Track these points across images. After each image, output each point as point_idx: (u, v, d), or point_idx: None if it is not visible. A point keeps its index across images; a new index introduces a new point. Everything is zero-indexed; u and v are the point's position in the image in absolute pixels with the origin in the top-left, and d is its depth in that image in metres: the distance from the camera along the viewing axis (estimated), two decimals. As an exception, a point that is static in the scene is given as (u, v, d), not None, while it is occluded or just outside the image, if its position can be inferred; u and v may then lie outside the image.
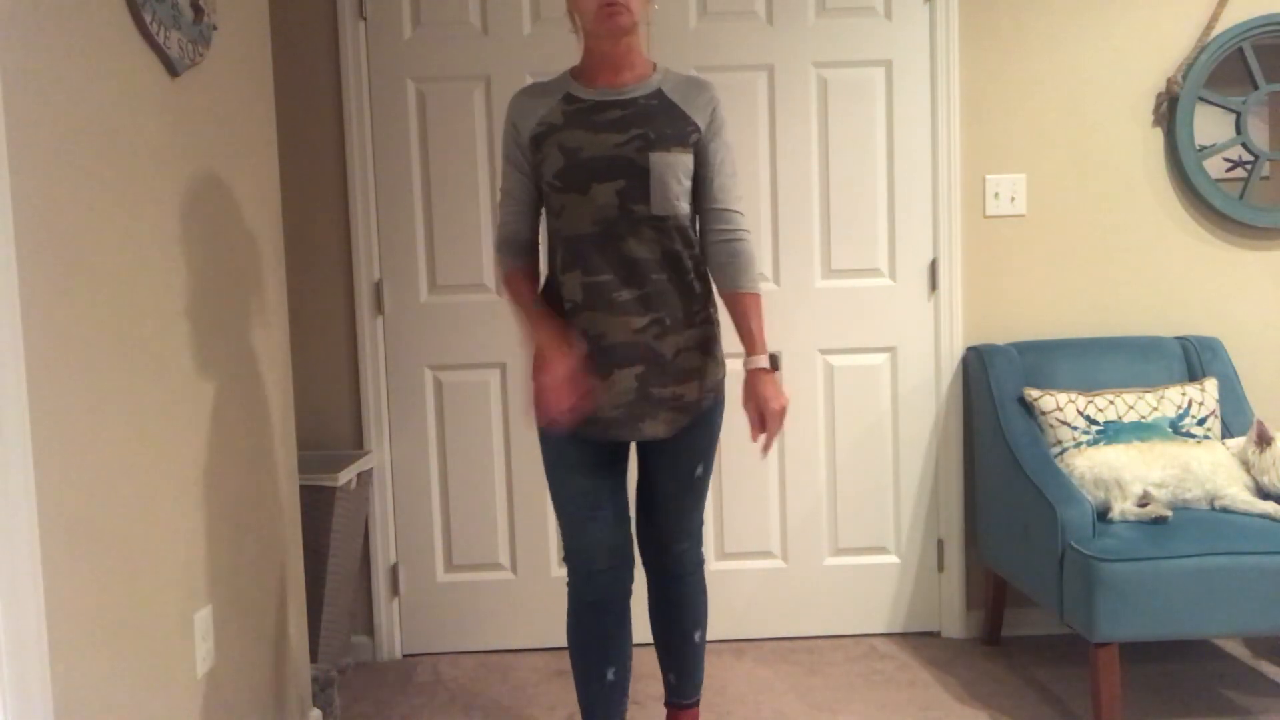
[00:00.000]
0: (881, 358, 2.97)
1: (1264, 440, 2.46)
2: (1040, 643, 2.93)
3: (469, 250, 2.89)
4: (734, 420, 2.95)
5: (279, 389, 2.30)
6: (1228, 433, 2.71)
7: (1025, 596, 2.76)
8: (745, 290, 1.93)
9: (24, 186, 1.37)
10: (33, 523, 1.36)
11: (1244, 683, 2.66)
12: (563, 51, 2.81)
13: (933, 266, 2.93)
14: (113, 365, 1.59)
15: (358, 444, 2.92)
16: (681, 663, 2.18)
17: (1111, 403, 2.67)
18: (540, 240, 2.08)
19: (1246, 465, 2.49)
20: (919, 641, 2.98)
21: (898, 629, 3.02)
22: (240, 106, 2.11)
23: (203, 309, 1.92)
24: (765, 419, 1.87)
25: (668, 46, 2.86)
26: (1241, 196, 2.92)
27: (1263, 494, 2.46)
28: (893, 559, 3.01)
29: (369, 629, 2.97)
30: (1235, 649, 2.87)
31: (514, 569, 2.99)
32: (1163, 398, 2.69)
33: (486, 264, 2.91)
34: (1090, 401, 2.67)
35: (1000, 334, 2.94)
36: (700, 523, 2.14)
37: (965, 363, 2.93)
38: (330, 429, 2.91)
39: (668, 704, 2.25)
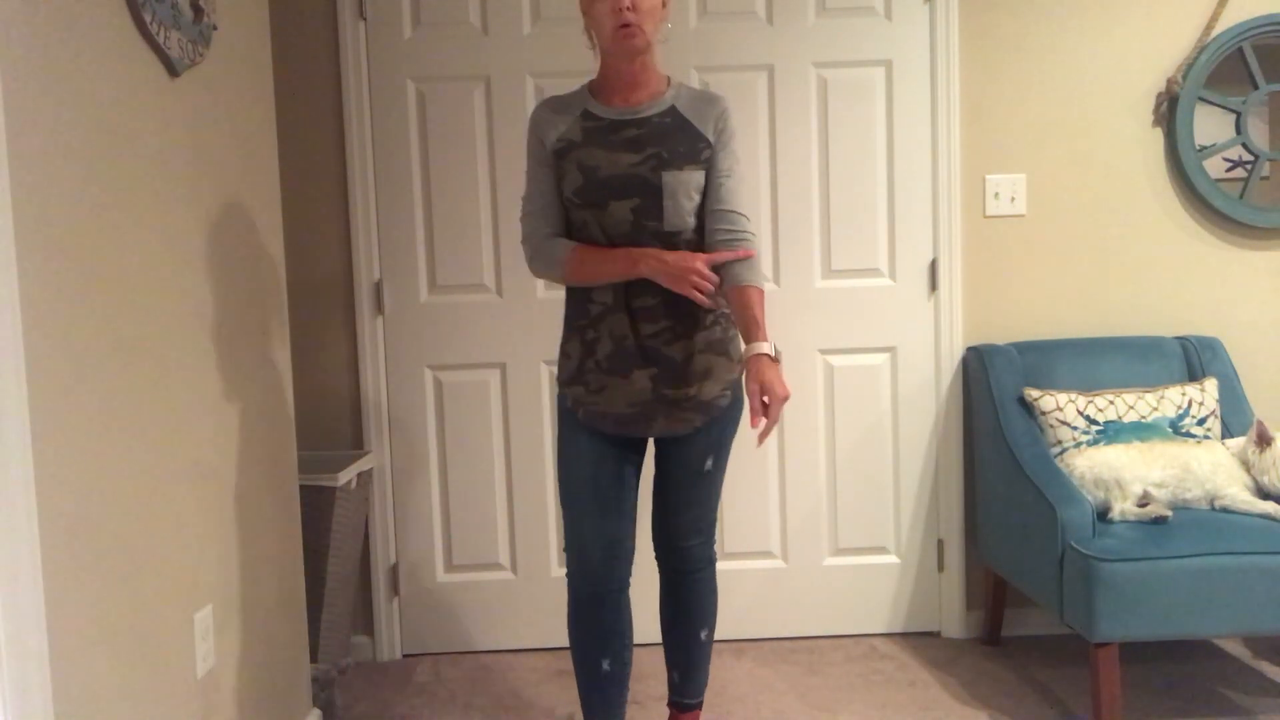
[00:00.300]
0: (881, 358, 2.97)
1: (1264, 440, 2.46)
2: (1040, 643, 2.93)
3: (469, 250, 2.89)
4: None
5: (279, 389, 2.30)
6: (1228, 433, 2.71)
7: (1025, 596, 2.76)
8: (750, 284, 1.95)
9: (24, 187, 1.37)
10: (33, 523, 1.36)
11: (1244, 683, 2.66)
12: (563, 52, 2.82)
13: (933, 266, 2.93)
14: (113, 366, 1.59)
15: (358, 444, 2.92)
16: (687, 661, 2.21)
17: (1111, 403, 2.67)
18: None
19: (1246, 465, 2.49)
20: (919, 641, 2.98)
21: (898, 629, 3.03)
22: (240, 106, 2.11)
23: (202, 309, 1.92)
24: (768, 404, 1.83)
25: (668, 47, 2.86)
26: (1241, 196, 2.92)
27: (1263, 494, 2.46)
28: (893, 559, 3.01)
29: (369, 629, 2.97)
30: (1235, 649, 2.87)
31: (514, 569, 2.99)
32: (1163, 398, 2.69)
33: (486, 264, 2.91)
34: (1090, 401, 2.67)
35: (1000, 334, 2.94)
36: (713, 521, 2.18)
37: (965, 363, 2.94)
38: (330, 429, 2.91)
39: (670, 704, 2.27)
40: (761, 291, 1.97)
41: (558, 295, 2.66)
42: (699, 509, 2.13)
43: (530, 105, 2.85)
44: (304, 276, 2.86)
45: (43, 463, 1.39)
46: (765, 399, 1.82)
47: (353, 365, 2.91)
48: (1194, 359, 2.83)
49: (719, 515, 2.96)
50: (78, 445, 1.49)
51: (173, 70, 1.80)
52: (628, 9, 1.85)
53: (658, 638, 2.28)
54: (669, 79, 2.03)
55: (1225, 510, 2.45)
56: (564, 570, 2.48)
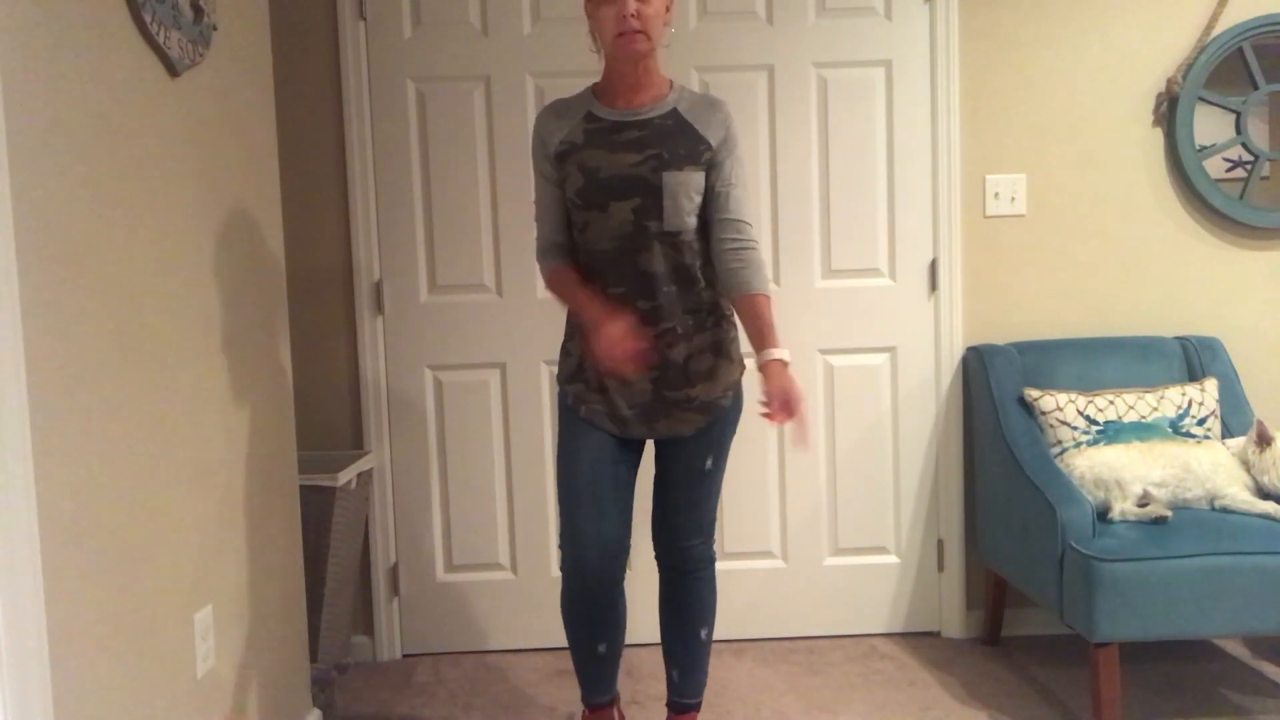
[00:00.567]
0: (881, 358, 2.97)
1: (1264, 440, 2.46)
2: (1040, 643, 2.93)
3: (469, 250, 2.89)
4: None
5: (279, 389, 2.30)
6: (1228, 433, 2.71)
7: (1025, 596, 2.76)
8: (759, 292, 1.99)
9: (24, 187, 1.37)
10: (33, 523, 1.36)
11: (1244, 683, 2.66)
12: (563, 51, 2.82)
13: (933, 266, 2.93)
14: (113, 366, 1.59)
15: (358, 444, 2.92)
16: (686, 660, 2.21)
17: (1111, 403, 2.67)
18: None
19: (1246, 465, 2.49)
20: (919, 641, 2.98)
21: (898, 629, 3.02)
22: (240, 106, 2.11)
23: (202, 309, 1.92)
24: (791, 408, 1.87)
25: (669, 46, 2.86)
26: (1241, 196, 2.92)
27: (1263, 494, 2.46)
28: (893, 559, 3.01)
29: (369, 629, 2.97)
30: (1235, 649, 2.87)
31: (514, 569, 2.99)
32: (1163, 398, 2.69)
33: (486, 264, 2.91)
34: (1090, 401, 2.67)
35: (1000, 334, 2.94)
36: (712, 520, 2.19)
37: (965, 363, 2.93)
38: (330, 429, 2.91)
39: (669, 704, 2.27)
40: (769, 297, 2.00)
41: (558, 295, 2.65)
42: (700, 509, 2.14)
43: (530, 105, 2.85)
44: (304, 276, 2.86)
45: (43, 463, 1.39)
46: (788, 403, 1.86)
47: (353, 365, 2.91)
48: (1194, 359, 2.83)
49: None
50: (78, 445, 1.49)
51: (173, 70, 1.80)
52: (632, 16, 1.87)
53: (658, 638, 2.28)
54: (671, 82, 2.06)
55: (1225, 510, 2.45)
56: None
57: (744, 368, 2.14)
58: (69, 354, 1.47)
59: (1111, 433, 2.63)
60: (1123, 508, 2.42)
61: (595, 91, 2.06)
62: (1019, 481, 2.57)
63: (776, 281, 2.93)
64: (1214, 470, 2.47)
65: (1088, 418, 2.65)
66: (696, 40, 2.87)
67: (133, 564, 1.64)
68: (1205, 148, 2.90)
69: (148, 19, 1.69)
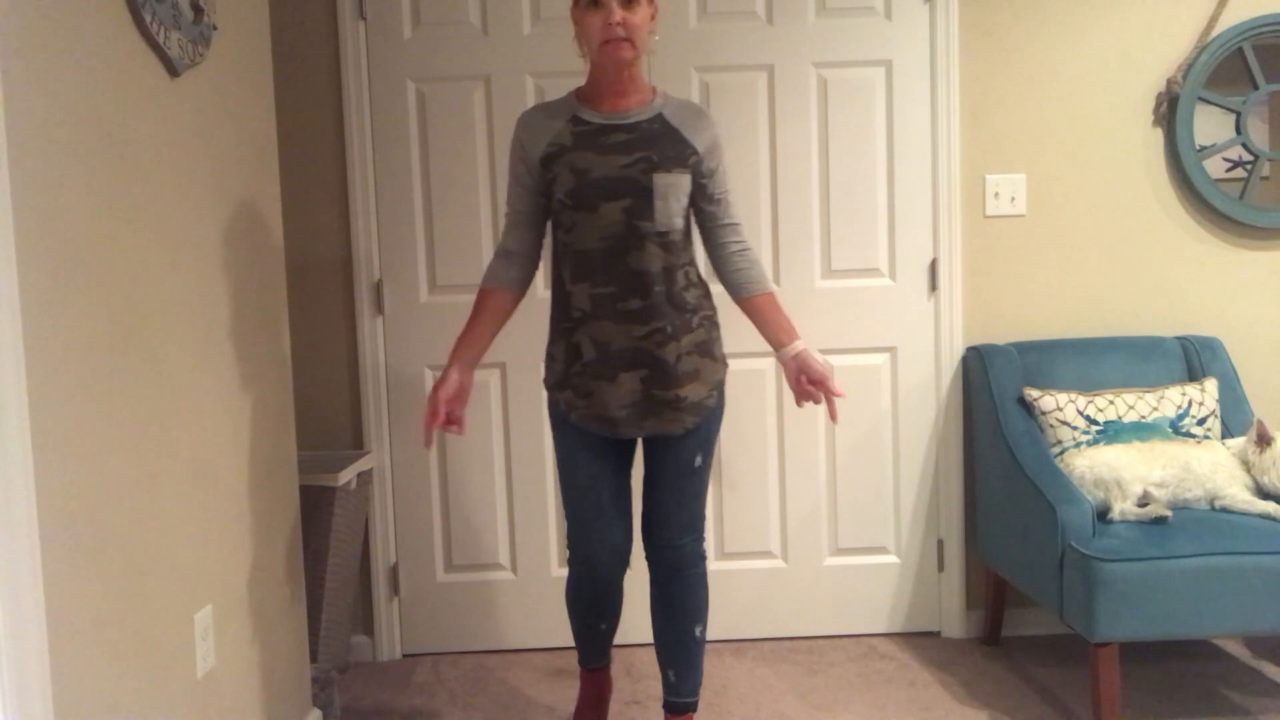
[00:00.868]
0: (881, 358, 2.97)
1: (1264, 440, 2.46)
2: (1040, 643, 2.93)
3: (469, 250, 2.89)
4: (734, 421, 2.95)
5: (279, 389, 2.30)
6: (1228, 433, 2.71)
7: (1025, 596, 2.76)
8: (769, 290, 2.14)
9: (24, 186, 1.37)
10: (33, 523, 1.36)
11: (1244, 683, 2.66)
12: (563, 52, 2.81)
13: (933, 266, 2.93)
14: (113, 366, 1.59)
15: (358, 444, 2.92)
16: (682, 659, 2.23)
17: (1111, 403, 2.67)
18: (537, 254, 2.21)
19: (1246, 465, 2.49)
20: (919, 641, 2.98)
21: (898, 629, 3.02)
22: (240, 106, 2.11)
23: (203, 309, 1.92)
24: (827, 390, 2.05)
25: (668, 47, 2.86)
26: (1241, 196, 2.92)
27: (1263, 494, 2.46)
28: (893, 559, 3.01)
29: (369, 629, 2.97)
30: (1235, 649, 2.87)
31: (514, 569, 2.99)
32: (1163, 398, 2.69)
33: (486, 263, 2.90)
34: (1090, 401, 2.67)
35: (1000, 334, 2.94)
36: (702, 518, 2.21)
37: (965, 363, 2.94)
38: (330, 429, 2.91)
39: (666, 705, 2.28)
40: (774, 294, 2.14)
41: (558, 295, 2.65)
42: (689, 506, 2.17)
43: (530, 105, 2.85)
44: (304, 276, 2.86)
45: (43, 463, 1.39)
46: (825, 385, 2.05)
47: (353, 365, 2.91)
48: (1194, 359, 2.83)
49: (718, 515, 2.98)
50: (78, 445, 1.49)
51: (173, 70, 1.80)
52: (618, 24, 1.93)
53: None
54: (655, 88, 2.12)
55: (1225, 510, 2.45)
56: (564, 570, 2.51)
57: (727, 367, 2.20)
58: (69, 354, 1.47)
59: (1111, 433, 2.63)
60: (1123, 508, 2.42)
61: (580, 96, 2.10)
62: (1019, 481, 2.57)
63: (776, 282, 2.92)
64: (1214, 470, 2.47)
65: (1088, 418, 2.65)
66: (696, 40, 2.87)
67: (133, 564, 1.64)
68: (1205, 148, 2.90)
69: (148, 19, 1.69)
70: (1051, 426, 2.66)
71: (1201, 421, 2.67)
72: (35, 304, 1.39)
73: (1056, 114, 2.91)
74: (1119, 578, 2.26)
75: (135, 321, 1.67)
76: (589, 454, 2.11)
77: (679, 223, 2.05)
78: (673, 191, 2.01)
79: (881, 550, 3.01)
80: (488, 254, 2.88)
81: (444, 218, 2.89)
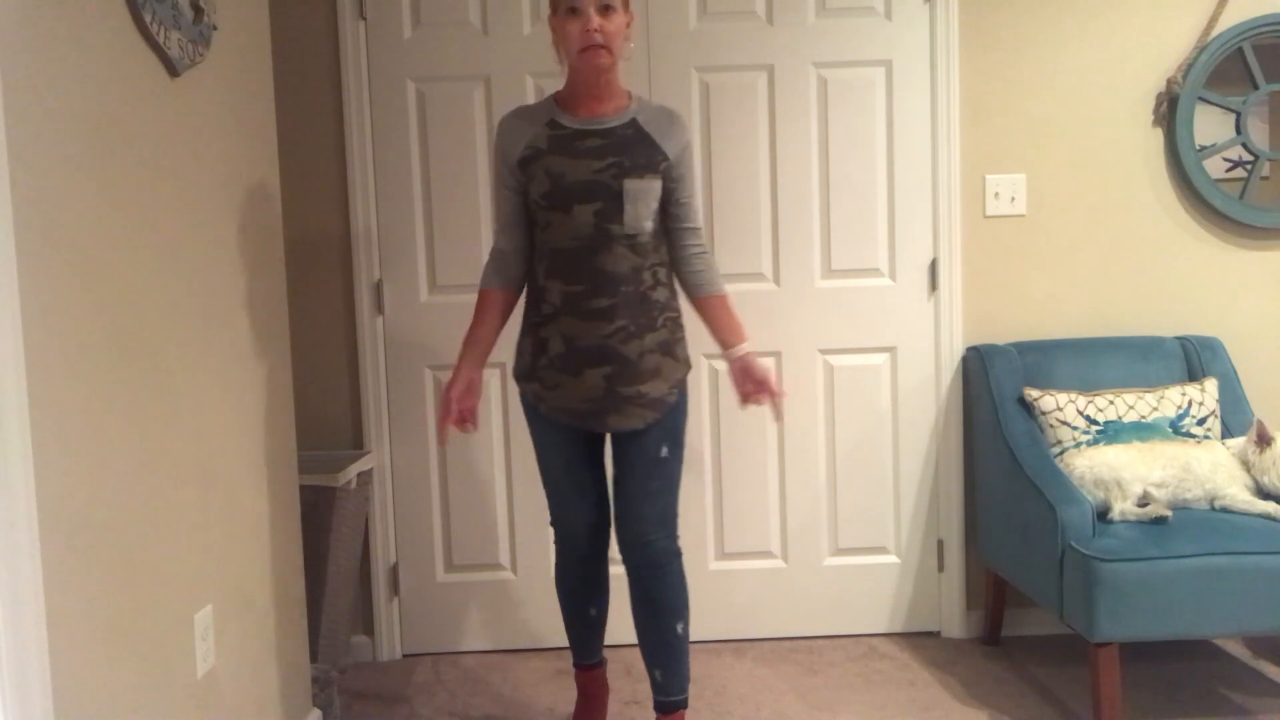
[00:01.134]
0: (881, 358, 2.97)
1: (1264, 440, 2.46)
2: (1040, 643, 2.93)
3: (469, 250, 2.89)
4: (734, 421, 2.95)
5: (279, 389, 2.30)
6: (1228, 433, 2.71)
7: (1025, 596, 2.76)
8: (722, 292, 2.22)
9: (24, 186, 1.37)
10: (33, 522, 1.36)
11: (1244, 683, 2.66)
12: (563, 51, 2.82)
13: (933, 266, 2.93)
14: (113, 365, 1.59)
15: (358, 444, 2.92)
16: (667, 657, 2.23)
17: (1111, 403, 2.67)
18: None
19: (1246, 465, 2.49)
20: (919, 641, 2.98)
21: (898, 629, 3.02)
22: (240, 106, 2.11)
23: (203, 309, 1.92)
24: (769, 391, 2.14)
25: (668, 46, 2.87)
26: (1241, 196, 2.92)
27: (1263, 494, 2.46)
28: (893, 559, 3.01)
29: (369, 629, 2.97)
30: (1235, 649, 2.87)
31: (514, 569, 2.99)
32: (1163, 398, 2.69)
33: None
34: (1090, 401, 2.67)
35: (1000, 334, 2.94)
36: (674, 515, 2.22)
37: (965, 363, 2.93)
38: (330, 429, 2.91)
39: (656, 705, 2.27)
40: (727, 296, 2.22)
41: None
42: (660, 499, 2.19)
43: (544, 98, 2.85)
44: (304, 276, 2.85)
45: (43, 463, 1.39)
46: (765, 387, 2.14)
47: (353, 365, 2.91)
48: (1194, 359, 2.83)
49: (719, 515, 2.98)
50: (78, 445, 1.49)
51: (173, 70, 1.80)
52: (596, 31, 2.00)
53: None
54: (630, 93, 2.19)
55: (1225, 510, 2.45)
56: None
57: (689, 367, 2.26)
58: (69, 354, 1.47)
59: (1111, 433, 2.63)
60: (1123, 508, 2.42)
61: (558, 100, 2.17)
62: (1019, 481, 2.57)
63: (776, 282, 2.93)
64: (1214, 470, 2.47)
65: (1088, 418, 2.65)
66: (696, 40, 2.87)
67: (133, 564, 1.64)
68: (1205, 148, 2.90)
69: (148, 19, 1.69)
70: (1051, 426, 2.66)
71: (1201, 421, 2.67)
72: (35, 304, 1.39)
73: (1056, 114, 2.91)
74: (1119, 578, 2.26)
75: (135, 321, 1.67)
76: (563, 438, 2.22)
77: (648, 226, 2.12)
78: (643, 197, 2.08)
79: (881, 550, 3.01)
80: (488, 254, 2.89)
81: (444, 218, 2.89)
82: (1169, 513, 2.39)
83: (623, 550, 2.22)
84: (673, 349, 2.20)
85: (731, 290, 2.88)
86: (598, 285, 2.10)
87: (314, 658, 2.53)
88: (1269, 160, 2.93)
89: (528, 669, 2.88)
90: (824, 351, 2.96)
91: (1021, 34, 2.90)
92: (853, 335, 2.95)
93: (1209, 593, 2.27)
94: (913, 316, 2.95)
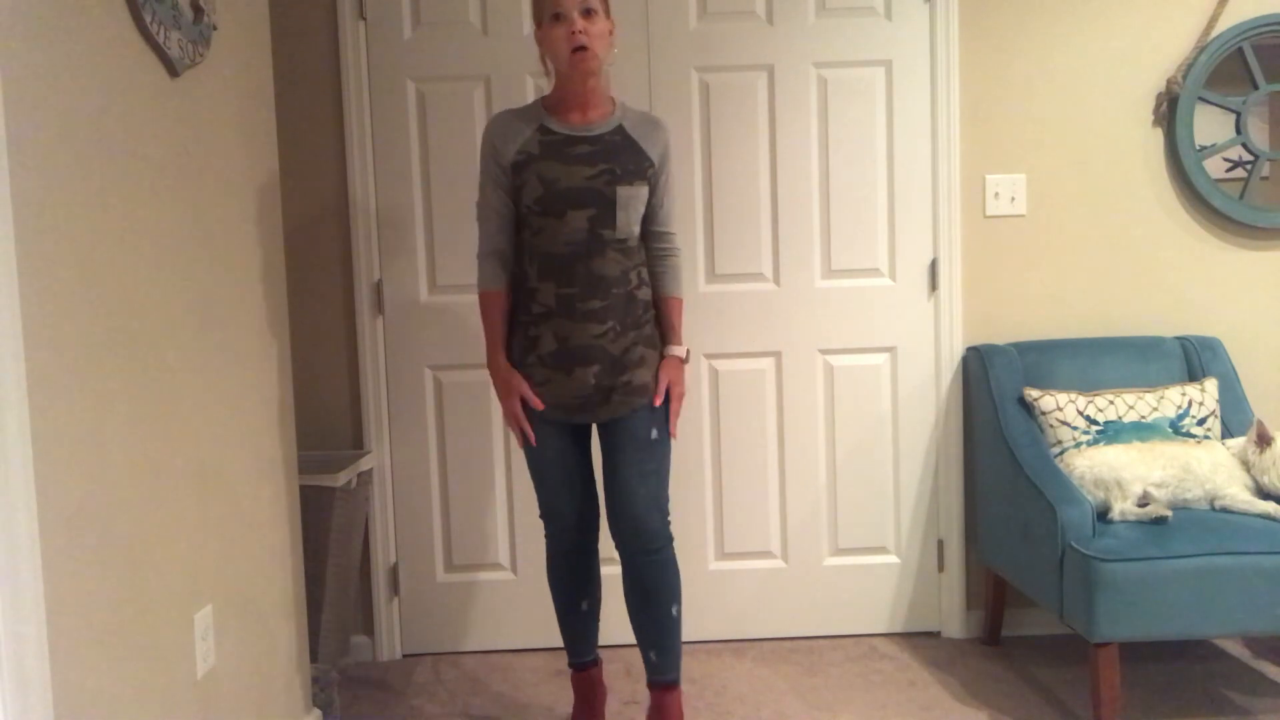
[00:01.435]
0: (881, 358, 2.97)
1: (1264, 440, 2.46)
2: (1040, 643, 2.93)
3: (469, 250, 2.87)
4: (734, 421, 2.95)
5: (279, 389, 2.30)
6: (1228, 433, 2.71)
7: (1025, 596, 2.76)
8: (674, 295, 2.32)
9: (24, 186, 1.37)
10: (33, 522, 1.36)
11: (1244, 683, 2.66)
12: (563, 51, 2.82)
13: (933, 266, 2.93)
14: (113, 366, 1.59)
15: (358, 444, 2.92)
16: (661, 639, 2.28)
17: (1111, 403, 2.67)
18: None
19: (1246, 465, 2.49)
20: (919, 641, 2.98)
21: (898, 629, 3.02)
22: (240, 106, 2.11)
23: (203, 309, 1.92)
24: (671, 398, 2.26)
25: (668, 46, 2.87)
26: (1241, 196, 2.92)
27: (1263, 494, 2.46)
28: (893, 559, 3.01)
29: (369, 629, 2.97)
30: (1235, 649, 2.87)
31: (514, 569, 2.99)
32: (1163, 398, 2.69)
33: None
34: (1090, 401, 2.67)
35: (1000, 334, 2.94)
36: (666, 499, 2.27)
37: (965, 363, 2.93)
38: (330, 429, 2.91)
39: (650, 684, 2.33)
40: (681, 300, 2.34)
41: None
42: (653, 480, 2.24)
43: (530, 101, 2.85)
44: (304, 276, 2.86)
45: (43, 462, 1.39)
46: (669, 392, 2.25)
47: (353, 365, 2.91)
48: (1194, 359, 2.83)
49: (719, 515, 2.98)
50: (78, 445, 1.49)
51: (173, 70, 1.80)
52: (580, 32, 2.08)
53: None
54: (615, 99, 2.27)
55: (1225, 510, 2.45)
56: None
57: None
58: (69, 353, 1.47)
59: (1111, 433, 2.63)
60: (1123, 508, 2.42)
61: (546, 106, 2.24)
62: (1019, 481, 2.57)
63: (776, 282, 2.93)
64: (1214, 470, 2.47)
65: (1088, 418, 2.65)
66: (696, 40, 2.87)
67: (133, 564, 1.64)
68: (1205, 148, 2.90)
69: (148, 19, 1.69)
70: (1051, 426, 2.66)
71: (1201, 421, 2.67)
72: (35, 303, 1.39)
73: (1056, 114, 2.91)
74: (1119, 578, 2.26)
75: (135, 321, 1.67)
76: (550, 430, 2.26)
77: (636, 230, 2.23)
78: (633, 203, 2.18)
79: (881, 550, 3.01)
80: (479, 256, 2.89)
81: (444, 218, 2.89)
82: (1169, 513, 2.39)
83: (616, 536, 2.26)
84: (655, 341, 2.30)
85: (731, 290, 2.92)
86: (591, 288, 2.17)
87: (314, 658, 2.53)
88: (1269, 160, 2.93)
89: (528, 669, 2.88)
90: (824, 351, 2.96)
91: (1021, 34, 2.90)
92: (853, 335, 2.95)
93: (1209, 593, 2.27)
94: (913, 316, 2.95)
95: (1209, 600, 2.27)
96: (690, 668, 2.82)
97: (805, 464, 2.98)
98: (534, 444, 2.26)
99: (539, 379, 2.22)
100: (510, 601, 2.99)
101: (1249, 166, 2.93)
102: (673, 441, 2.31)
